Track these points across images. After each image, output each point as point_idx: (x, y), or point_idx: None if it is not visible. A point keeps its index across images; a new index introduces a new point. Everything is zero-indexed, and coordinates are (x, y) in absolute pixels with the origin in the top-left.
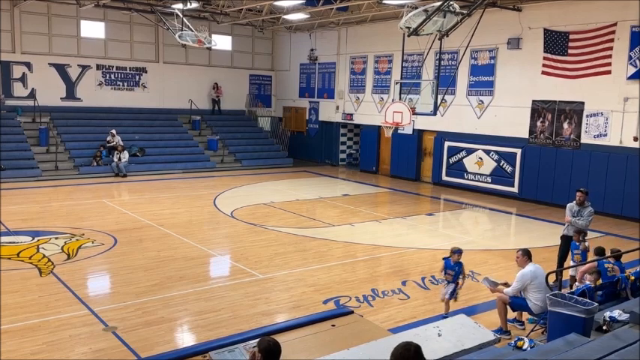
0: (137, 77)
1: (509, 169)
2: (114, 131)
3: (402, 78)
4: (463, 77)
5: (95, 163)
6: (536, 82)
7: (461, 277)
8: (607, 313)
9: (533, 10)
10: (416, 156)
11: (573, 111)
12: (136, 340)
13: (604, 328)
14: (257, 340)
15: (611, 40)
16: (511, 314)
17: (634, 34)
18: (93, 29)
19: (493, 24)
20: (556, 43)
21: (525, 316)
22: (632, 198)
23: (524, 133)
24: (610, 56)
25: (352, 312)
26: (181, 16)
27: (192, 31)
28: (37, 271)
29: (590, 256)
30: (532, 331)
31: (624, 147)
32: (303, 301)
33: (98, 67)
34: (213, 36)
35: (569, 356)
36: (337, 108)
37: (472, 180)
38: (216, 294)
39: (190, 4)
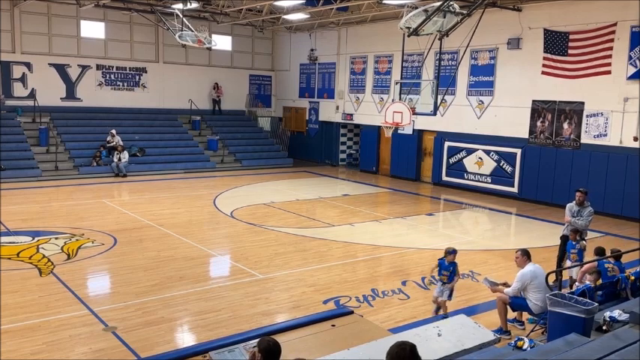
0: (137, 77)
1: (509, 169)
2: (114, 131)
3: (402, 78)
4: (463, 77)
5: (95, 163)
6: (536, 82)
7: (456, 277)
8: (607, 313)
9: (533, 10)
10: (416, 156)
11: (573, 111)
12: (136, 340)
13: (604, 328)
14: (257, 340)
15: (611, 40)
16: (511, 314)
17: (634, 34)
18: (93, 29)
19: (493, 24)
20: (556, 43)
21: (525, 316)
22: (632, 198)
23: (524, 133)
24: (610, 56)
25: (352, 312)
26: (181, 16)
27: (192, 31)
28: (37, 271)
29: (589, 256)
30: (532, 331)
31: (624, 147)
32: (303, 301)
33: (98, 67)
34: (213, 36)
35: (569, 356)
36: (337, 108)
37: (472, 180)
38: (217, 294)
39: (190, 4)
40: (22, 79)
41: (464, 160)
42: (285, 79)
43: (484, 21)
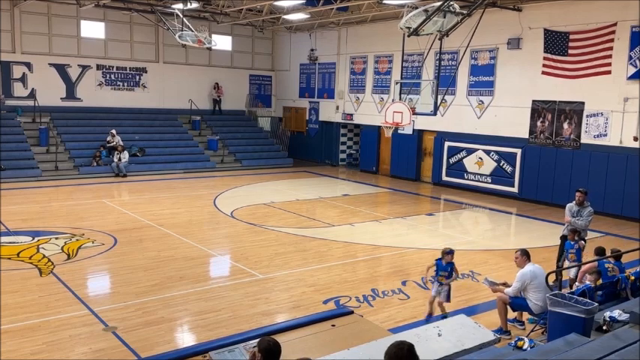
0: (137, 77)
1: (509, 169)
2: (114, 131)
3: (402, 78)
4: (463, 77)
5: (95, 163)
6: (536, 82)
7: (454, 276)
8: (607, 313)
9: (533, 10)
10: (416, 156)
11: (573, 111)
12: (136, 340)
13: (604, 328)
14: (257, 340)
15: (611, 40)
16: (511, 314)
17: (634, 34)
18: (93, 29)
19: (493, 24)
20: (556, 43)
21: (525, 316)
22: (632, 198)
23: (524, 133)
24: (610, 56)
25: (352, 312)
26: (181, 16)
27: (192, 31)
28: (37, 271)
29: (587, 256)
30: (532, 331)
31: (624, 147)
32: (303, 301)
33: (98, 67)
34: (213, 36)
35: (569, 356)
36: (337, 108)
37: (472, 180)
38: (217, 294)
39: (190, 4)
40: (22, 79)
41: (464, 160)
42: (285, 79)
43: (484, 21)
